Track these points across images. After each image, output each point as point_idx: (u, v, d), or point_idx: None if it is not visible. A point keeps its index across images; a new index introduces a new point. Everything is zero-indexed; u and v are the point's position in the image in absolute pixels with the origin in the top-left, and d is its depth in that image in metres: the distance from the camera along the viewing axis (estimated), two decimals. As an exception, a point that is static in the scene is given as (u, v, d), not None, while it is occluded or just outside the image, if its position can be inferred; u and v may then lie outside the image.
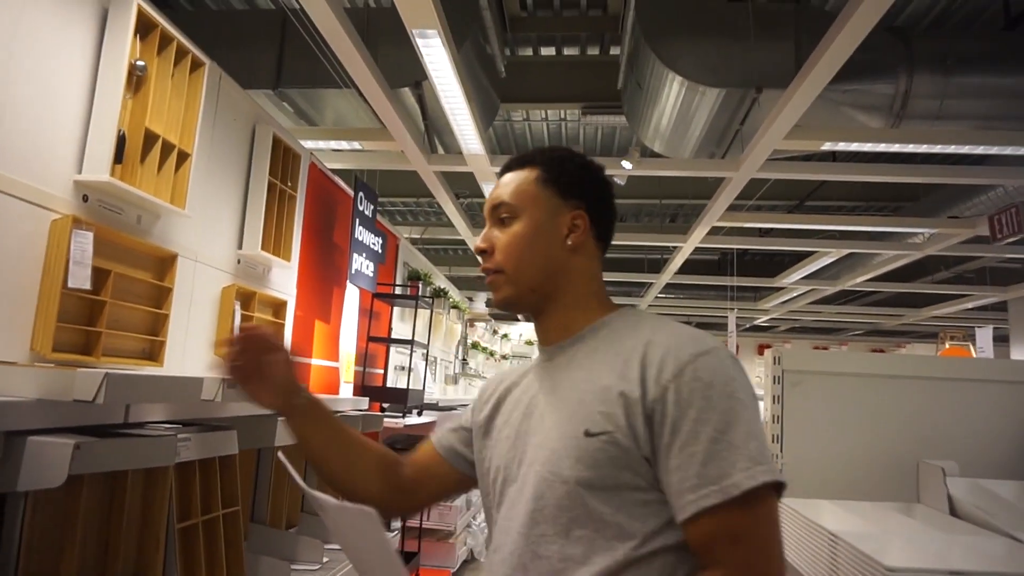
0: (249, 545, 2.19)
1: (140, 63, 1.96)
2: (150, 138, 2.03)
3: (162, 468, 1.57)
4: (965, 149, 4.17)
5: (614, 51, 4.92)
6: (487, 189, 5.60)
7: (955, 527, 1.61)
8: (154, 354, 2.13)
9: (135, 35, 1.94)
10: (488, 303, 11.13)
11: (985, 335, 8.32)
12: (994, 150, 4.15)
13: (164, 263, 2.20)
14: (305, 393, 1.13)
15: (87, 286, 1.78)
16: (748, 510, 0.79)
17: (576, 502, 0.86)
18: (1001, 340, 9.26)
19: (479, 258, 1.05)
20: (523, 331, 12.47)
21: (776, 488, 0.82)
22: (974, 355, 8.58)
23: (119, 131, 1.89)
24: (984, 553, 1.38)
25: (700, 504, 0.80)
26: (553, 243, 1.02)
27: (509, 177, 1.07)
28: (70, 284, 1.71)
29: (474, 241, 6.47)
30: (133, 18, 1.91)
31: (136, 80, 1.98)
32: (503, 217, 1.04)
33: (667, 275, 8.62)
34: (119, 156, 1.90)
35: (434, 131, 4.78)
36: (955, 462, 1.83)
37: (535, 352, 1.12)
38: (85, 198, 1.89)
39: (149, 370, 2.08)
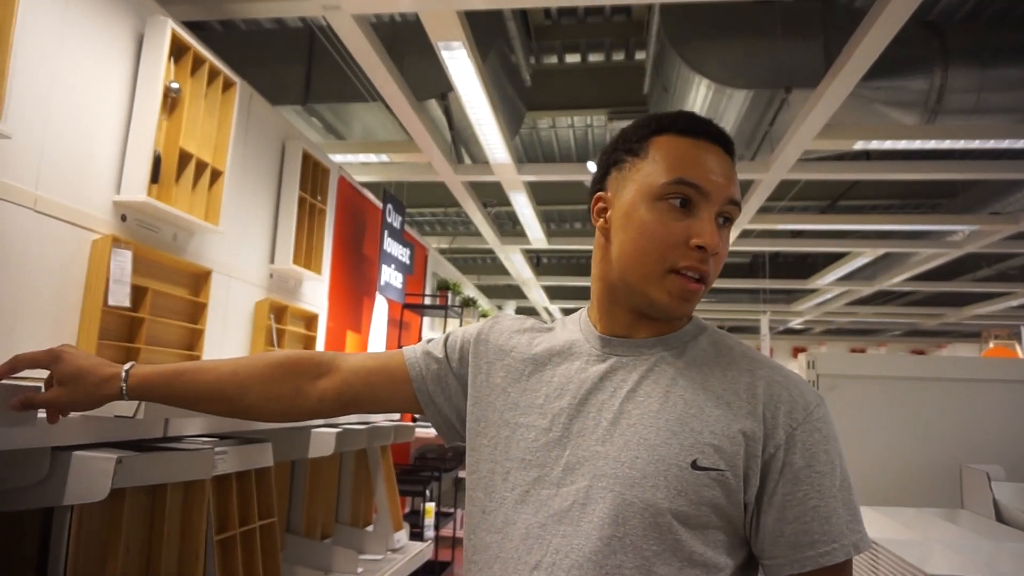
0: (285, 556, 2.22)
1: (174, 85, 2.01)
2: (184, 157, 2.08)
3: (200, 481, 1.60)
4: (1005, 143, 4.07)
5: (639, 56, 4.91)
6: (514, 198, 5.62)
7: (1001, 533, 1.56)
8: (192, 368, 2.17)
9: (169, 58, 1.99)
10: (518, 312, 11.13)
11: (1031, 334, 8.07)
12: (1034, 144, 4.03)
13: (199, 279, 2.25)
14: (118, 380, 0.95)
15: (127, 303, 1.82)
16: (848, 569, 0.79)
17: (666, 536, 0.77)
18: (1048, 339, 8.98)
19: (692, 254, 0.82)
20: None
21: None
22: (1020, 354, 8.33)
23: (155, 152, 1.94)
24: (1033, 561, 1.34)
25: (822, 561, 0.76)
26: None
27: (728, 161, 0.86)
28: (110, 302, 1.76)
29: (503, 249, 6.46)
30: (167, 42, 1.96)
31: (171, 101, 2.03)
32: (727, 218, 0.85)
33: (698, 279, 8.54)
34: (155, 176, 1.95)
35: (460, 141, 4.81)
36: (1000, 466, 1.78)
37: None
38: (124, 218, 1.94)
39: (187, 384, 2.12)
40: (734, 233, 6.40)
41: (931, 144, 4.09)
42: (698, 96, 3.90)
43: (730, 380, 0.83)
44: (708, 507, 0.77)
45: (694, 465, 0.77)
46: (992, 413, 2.10)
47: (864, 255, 7.52)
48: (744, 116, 4.04)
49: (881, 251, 7.31)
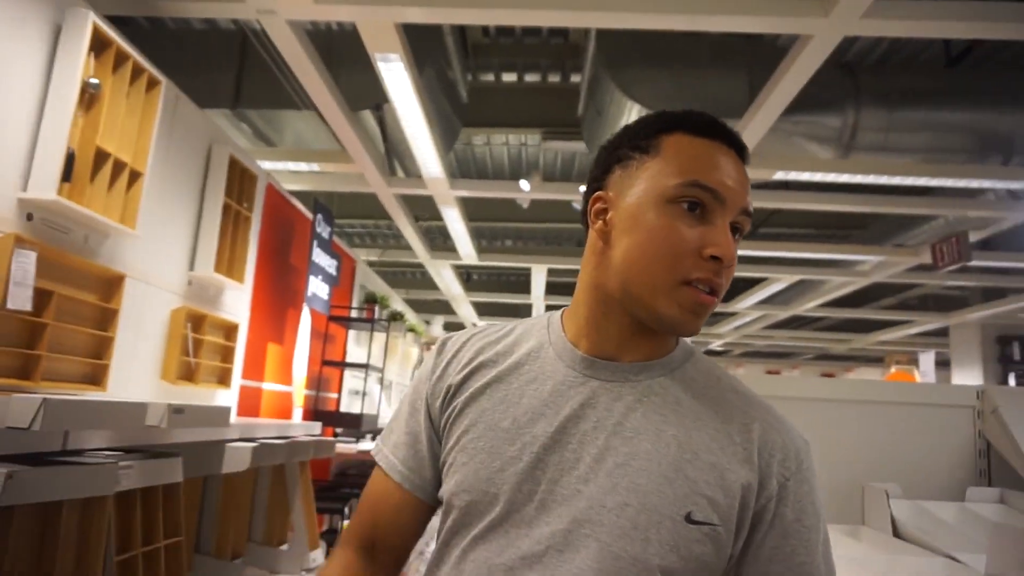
0: (194, 576, 2.12)
1: (94, 81, 1.92)
2: (101, 156, 1.99)
3: (100, 497, 1.51)
4: (909, 180, 4.34)
5: (575, 78, 5.01)
6: (446, 212, 5.61)
7: (898, 548, 1.64)
8: (97, 378, 2.06)
9: (89, 52, 1.90)
10: (447, 327, 11.09)
11: (928, 360, 8.60)
12: (935, 182, 4.33)
13: (111, 284, 2.14)
14: None
15: (28, 307, 1.72)
16: None
17: None
18: (943, 364, 9.59)
19: (705, 264, 0.72)
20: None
21: None
22: (918, 378, 8.86)
23: (68, 149, 1.85)
24: (925, 573, 1.42)
25: None
26: None
27: (742, 169, 0.77)
28: (9, 305, 1.66)
29: (433, 264, 6.42)
30: (88, 35, 1.88)
31: (89, 98, 1.94)
32: (739, 227, 0.76)
33: (625, 299, 8.72)
34: (67, 174, 1.85)
35: (394, 154, 4.78)
36: (898, 484, 1.88)
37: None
38: (29, 216, 1.83)
39: (92, 395, 2.01)
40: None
41: (844, 178, 4.33)
42: (630, 120, 4.00)
43: (723, 419, 0.75)
44: (696, 564, 0.70)
45: (688, 518, 0.70)
46: (892, 434, 2.21)
47: (781, 281, 7.86)
48: (672, 143, 4.17)
49: (797, 278, 7.66)
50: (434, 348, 0.89)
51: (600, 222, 0.79)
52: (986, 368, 8.74)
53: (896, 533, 1.77)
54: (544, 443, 0.74)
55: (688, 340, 0.84)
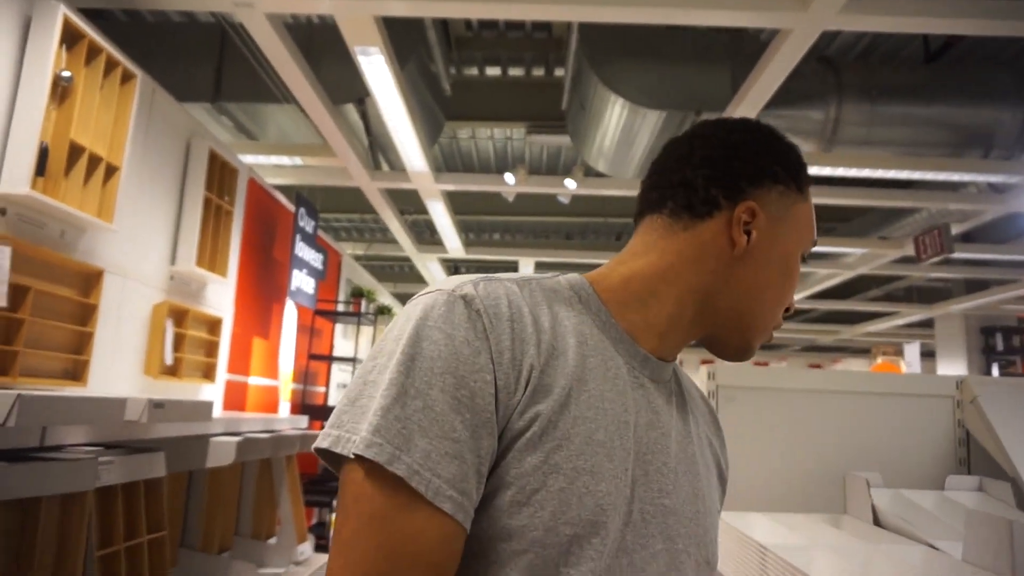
0: (178, 572, 2.11)
1: (66, 74, 1.90)
2: (76, 150, 1.96)
3: (80, 493, 1.50)
4: (891, 173, 4.37)
5: (559, 72, 5.00)
6: (432, 206, 5.60)
7: (878, 536, 1.66)
8: (77, 374, 2.04)
9: (60, 45, 1.88)
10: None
11: (913, 350, 8.69)
12: (917, 175, 4.36)
13: (89, 279, 2.12)
14: None
15: (3, 303, 1.70)
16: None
17: None
18: (928, 355, 9.69)
19: (782, 315, 0.77)
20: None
21: None
22: (903, 369, 8.95)
23: (41, 143, 1.82)
24: (903, 561, 1.43)
25: None
26: None
27: None
28: (-16, 301, 1.63)
29: (420, 257, 6.41)
30: (59, 28, 1.85)
31: (61, 91, 1.92)
32: None
33: (612, 293, 8.75)
34: (41, 169, 1.83)
35: (378, 148, 4.75)
36: (879, 474, 1.90)
37: None
38: (3, 211, 1.81)
39: (71, 391, 1.99)
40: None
41: (827, 171, 4.35)
42: (613, 114, 4.01)
43: (705, 414, 0.82)
44: None
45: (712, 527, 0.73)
46: (874, 424, 2.23)
47: (767, 274, 7.91)
48: (657, 135, 4.18)
49: (782, 270, 7.71)
50: (460, 309, 0.61)
51: (744, 236, 0.70)
52: (970, 358, 8.84)
53: (877, 521, 1.79)
54: (631, 455, 0.64)
55: None
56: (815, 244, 0.77)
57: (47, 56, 1.83)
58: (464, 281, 0.64)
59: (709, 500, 0.71)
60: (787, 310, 0.75)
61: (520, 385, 0.60)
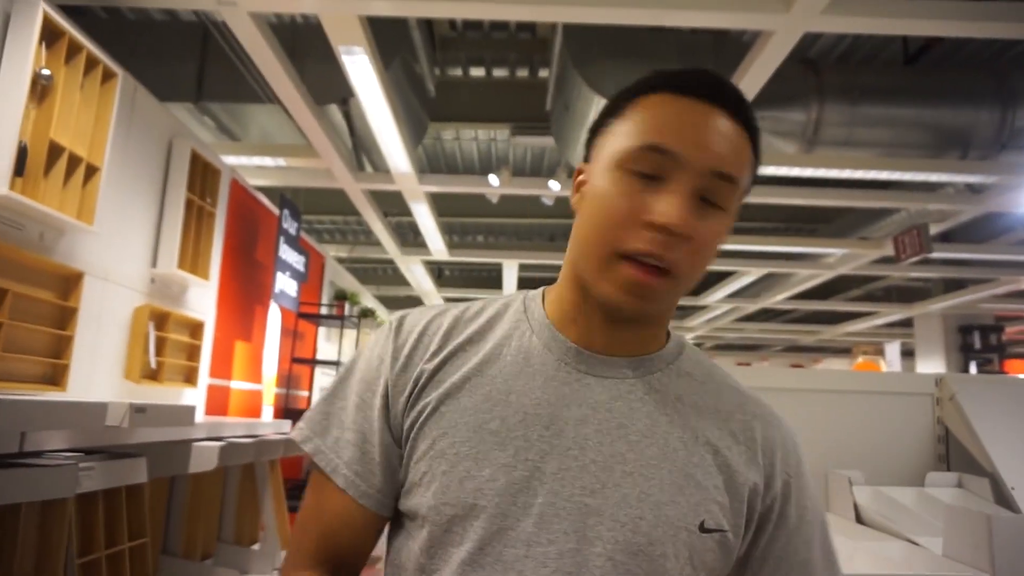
0: (159, 578, 2.08)
1: (45, 72, 1.87)
2: (55, 150, 1.93)
3: (60, 500, 1.48)
4: (872, 174, 4.43)
5: (543, 73, 5.01)
6: (416, 208, 5.58)
7: (860, 533, 1.68)
8: (56, 378, 2.02)
9: (40, 42, 1.85)
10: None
11: (893, 350, 8.80)
12: (897, 175, 4.42)
13: (69, 282, 2.09)
14: None
15: (-20, 306, 1.67)
16: None
17: None
18: (908, 354, 9.82)
19: (644, 234, 0.62)
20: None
21: None
22: (884, 368, 9.06)
23: (20, 142, 1.80)
24: (885, 557, 1.45)
25: None
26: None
27: (729, 129, 0.65)
28: (-40, 304, 1.61)
29: (403, 260, 6.38)
30: (38, 25, 1.83)
31: (41, 89, 1.89)
32: (711, 200, 0.64)
33: (597, 294, 8.77)
34: (20, 169, 1.80)
35: (362, 149, 4.73)
36: (861, 471, 1.92)
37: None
38: (-20, 213, 1.78)
39: (50, 395, 1.96)
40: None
41: (808, 172, 4.40)
42: (597, 115, 4.02)
43: (724, 417, 0.70)
44: (707, 573, 0.65)
45: (701, 527, 0.65)
46: (856, 422, 2.26)
47: (750, 274, 7.97)
48: (640, 137, 4.19)
49: (765, 271, 7.77)
50: (386, 329, 0.73)
51: (576, 195, 0.72)
52: (949, 357, 8.97)
53: (859, 518, 1.81)
54: (541, 448, 0.65)
55: (681, 335, 0.78)
56: (655, 136, 0.64)
57: (26, 53, 1.80)
58: (416, 309, 0.76)
59: (671, 509, 0.64)
60: (658, 227, 0.62)
61: (408, 385, 0.69)
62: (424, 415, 0.67)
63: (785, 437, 0.71)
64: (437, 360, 0.69)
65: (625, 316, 0.67)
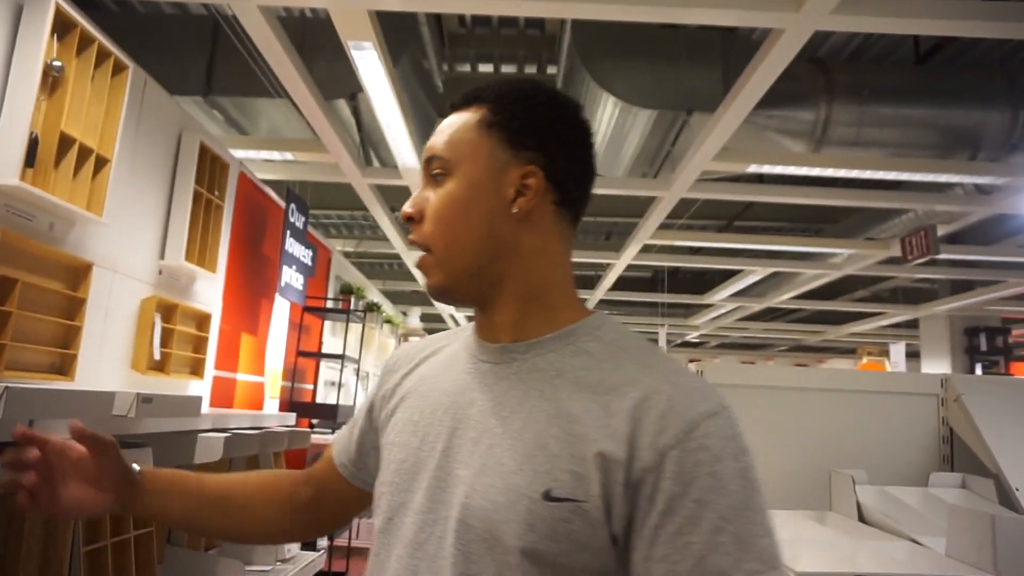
0: (164, 568, 2.10)
1: (57, 63, 1.88)
2: (66, 142, 1.95)
3: (68, 487, 1.49)
4: (880, 175, 4.41)
5: (551, 70, 5.00)
6: (424, 203, 5.58)
7: (863, 532, 1.68)
8: (65, 368, 2.03)
9: (52, 34, 1.86)
10: (423, 318, 11.06)
11: (898, 351, 8.76)
12: (905, 176, 4.40)
13: (78, 273, 2.11)
14: (135, 473, 0.89)
15: (-10, 295, 1.68)
16: None
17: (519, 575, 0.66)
18: (913, 355, 9.78)
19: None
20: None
21: None
22: (889, 369, 9.03)
23: (31, 133, 1.81)
24: (888, 556, 1.45)
25: None
26: (495, 211, 0.75)
27: (449, 120, 0.81)
28: (-29, 293, 1.62)
29: (409, 255, 6.40)
30: (50, 17, 1.84)
31: (52, 81, 1.90)
32: (436, 174, 0.79)
33: (601, 292, 8.76)
34: (31, 159, 1.81)
35: (369, 144, 4.74)
36: (864, 471, 1.92)
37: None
38: (-9, 203, 1.80)
39: (59, 385, 1.98)
40: (635, 249, 6.61)
41: (816, 171, 4.38)
42: (605, 112, 4.02)
43: (606, 390, 0.70)
44: (567, 542, 0.65)
45: (547, 496, 0.66)
46: (860, 422, 2.26)
47: (756, 273, 7.95)
48: (648, 135, 4.19)
49: (771, 270, 7.75)
50: (385, 363, 0.95)
51: None
52: (954, 359, 8.93)
53: (862, 518, 1.81)
54: (439, 431, 0.76)
55: (607, 314, 0.82)
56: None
57: (38, 45, 1.81)
58: (405, 344, 0.97)
59: (518, 477, 0.68)
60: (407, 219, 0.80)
61: (387, 400, 0.88)
62: (390, 418, 0.85)
63: (676, 407, 0.67)
64: (404, 376, 0.88)
65: (435, 297, 0.81)
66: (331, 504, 0.96)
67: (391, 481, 0.78)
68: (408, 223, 0.80)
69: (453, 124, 0.80)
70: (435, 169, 0.79)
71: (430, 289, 0.80)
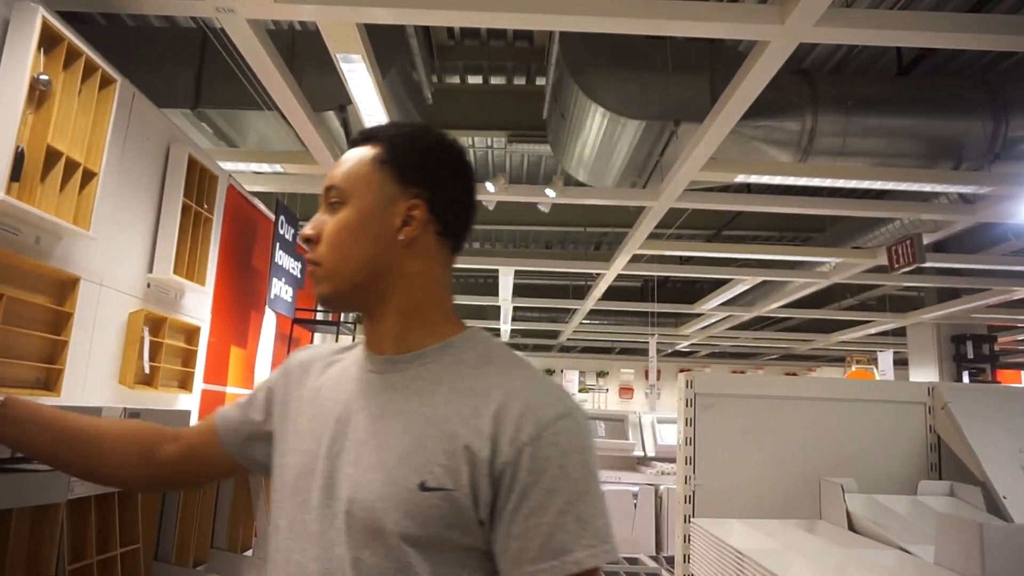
0: (152, 584, 2.07)
1: (44, 77, 1.88)
2: (52, 155, 1.94)
3: (52, 505, 1.47)
4: (866, 184, 4.45)
5: (540, 81, 5.03)
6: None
7: (852, 541, 1.68)
8: (51, 383, 2.01)
9: (39, 48, 1.86)
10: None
11: (886, 359, 8.82)
12: (891, 185, 4.45)
13: (64, 287, 2.09)
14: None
15: (-25, 310, 1.67)
16: None
17: (400, 559, 0.77)
18: (901, 363, 9.84)
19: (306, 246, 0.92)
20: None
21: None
22: (877, 377, 9.08)
23: (17, 147, 1.80)
24: (877, 565, 1.45)
25: None
26: (382, 237, 0.87)
27: (347, 155, 0.92)
28: (-44, 308, 1.61)
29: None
30: (37, 30, 1.83)
31: (39, 95, 1.89)
32: (333, 202, 0.90)
33: (591, 301, 8.78)
34: (16, 174, 1.80)
35: (359, 155, 4.74)
36: (854, 479, 1.93)
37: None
38: (-24, 217, 1.78)
39: (44, 400, 1.96)
40: (624, 258, 6.63)
41: (803, 181, 4.42)
42: (594, 124, 4.04)
43: (476, 394, 0.82)
44: (441, 526, 0.77)
45: (422, 487, 0.77)
46: (849, 430, 2.26)
47: (745, 282, 8.00)
48: (636, 146, 4.22)
49: (760, 279, 7.79)
50: (289, 362, 1.02)
51: None
52: (941, 367, 8.99)
53: (851, 526, 1.81)
54: (332, 436, 0.85)
55: (481, 328, 0.94)
56: None
57: (25, 59, 1.81)
58: (304, 349, 1.03)
59: (397, 472, 0.79)
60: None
61: (287, 404, 0.94)
62: (287, 422, 0.93)
63: (531, 409, 0.79)
64: (302, 386, 0.95)
65: (323, 303, 0.91)
66: (196, 467, 1.01)
67: (293, 484, 0.86)
68: (306, 244, 0.89)
69: (351, 159, 0.91)
70: (332, 198, 0.89)
71: (318, 296, 0.91)
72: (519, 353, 0.92)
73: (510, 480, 0.77)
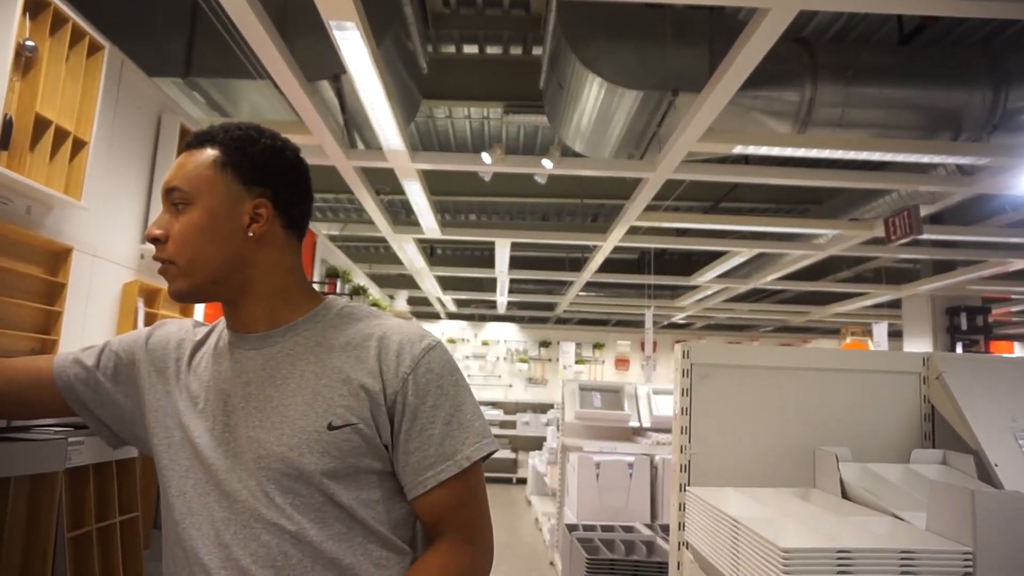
0: (151, 554, 2.09)
1: (29, 43, 1.84)
2: (41, 124, 1.91)
3: (50, 474, 1.48)
4: (864, 155, 4.43)
5: (536, 51, 4.96)
6: (408, 186, 5.55)
7: (846, 509, 1.70)
8: (45, 353, 2.00)
9: (24, 13, 1.82)
10: (410, 301, 11.04)
11: (881, 330, 8.86)
12: (889, 156, 4.42)
13: (57, 257, 2.08)
14: None
15: (-33, 281, 1.66)
16: (469, 478, 0.94)
17: (323, 492, 0.89)
18: (896, 335, 9.89)
19: (152, 246, 0.98)
20: (444, 329, 12.46)
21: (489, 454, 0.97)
22: (872, 348, 9.13)
23: (5, 115, 1.77)
24: (870, 532, 1.47)
25: (438, 478, 0.92)
26: (233, 235, 0.96)
27: (185, 158, 0.99)
28: (-53, 278, 1.59)
29: (395, 238, 6.35)
30: (21, -5, 1.79)
31: (25, 61, 1.86)
32: (177, 203, 0.96)
33: (587, 274, 8.77)
34: (5, 142, 1.78)
35: (354, 126, 4.69)
36: (848, 448, 1.94)
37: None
38: (-35, 186, 1.76)
39: (40, 370, 1.95)
40: (621, 231, 6.61)
41: (801, 152, 4.39)
42: (591, 94, 3.99)
43: (355, 346, 0.96)
44: (353, 456, 0.91)
45: (330, 427, 0.90)
46: (843, 400, 2.28)
47: (742, 254, 7.99)
48: (634, 116, 4.17)
49: (756, 251, 7.79)
50: (157, 324, 1.11)
51: None
52: (936, 338, 9.03)
53: (845, 494, 1.83)
54: (226, 411, 0.95)
55: (336, 296, 1.07)
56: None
57: (10, 24, 1.77)
58: (171, 320, 1.12)
59: (303, 421, 0.91)
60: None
61: (163, 377, 1.03)
62: (153, 391, 1.01)
63: (404, 347, 0.95)
64: (179, 365, 1.02)
65: (177, 299, 1.00)
66: (23, 403, 1.05)
67: (196, 454, 0.94)
68: (154, 243, 0.97)
69: (191, 162, 0.97)
70: (176, 199, 0.96)
71: (172, 293, 0.99)
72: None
73: (401, 405, 0.93)
